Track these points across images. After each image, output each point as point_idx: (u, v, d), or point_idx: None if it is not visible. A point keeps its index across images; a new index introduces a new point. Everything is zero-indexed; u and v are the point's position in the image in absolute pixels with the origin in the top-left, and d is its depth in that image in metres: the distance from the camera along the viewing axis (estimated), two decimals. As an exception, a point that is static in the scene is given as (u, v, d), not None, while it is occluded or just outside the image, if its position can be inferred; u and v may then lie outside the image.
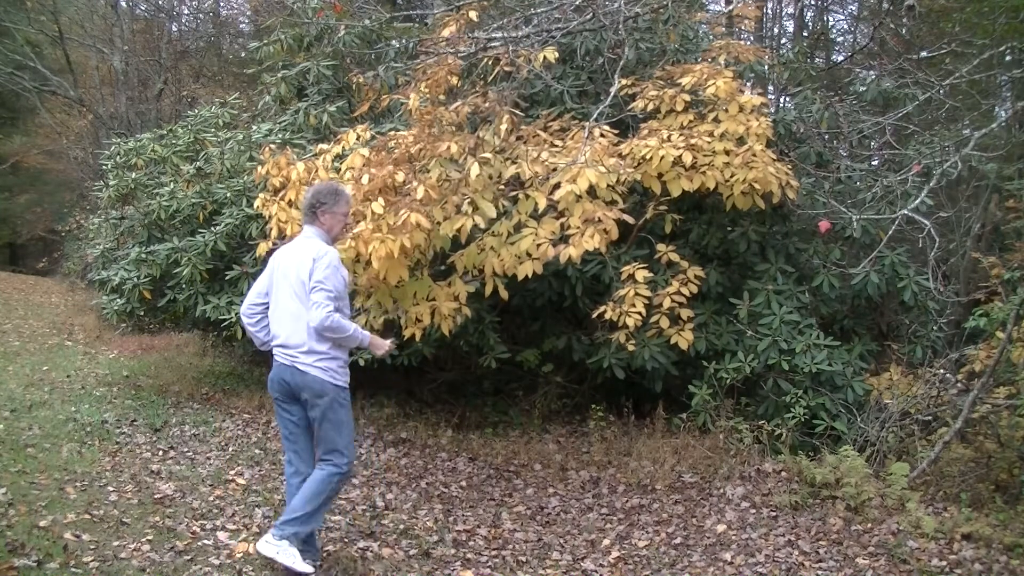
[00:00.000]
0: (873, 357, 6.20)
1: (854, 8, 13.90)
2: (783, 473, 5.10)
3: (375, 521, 4.73)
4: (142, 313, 7.66)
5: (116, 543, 4.09)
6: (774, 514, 4.74)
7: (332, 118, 6.90)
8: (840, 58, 12.39)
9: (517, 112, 5.37)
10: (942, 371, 5.62)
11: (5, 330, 11.70)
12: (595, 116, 5.38)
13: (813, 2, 13.77)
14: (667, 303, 5.42)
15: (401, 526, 4.65)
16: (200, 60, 18.87)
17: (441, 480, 5.56)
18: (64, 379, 8.24)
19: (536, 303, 6.23)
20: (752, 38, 11.32)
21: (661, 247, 5.75)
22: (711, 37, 6.96)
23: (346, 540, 4.40)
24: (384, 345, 4.00)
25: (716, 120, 5.60)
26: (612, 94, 5.56)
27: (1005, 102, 9.56)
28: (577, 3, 6.38)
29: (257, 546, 3.84)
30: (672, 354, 5.68)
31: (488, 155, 5.04)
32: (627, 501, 5.13)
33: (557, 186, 4.75)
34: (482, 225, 4.88)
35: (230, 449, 6.00)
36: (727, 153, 5.39)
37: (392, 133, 5.67)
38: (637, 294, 5.19)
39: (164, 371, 8.66)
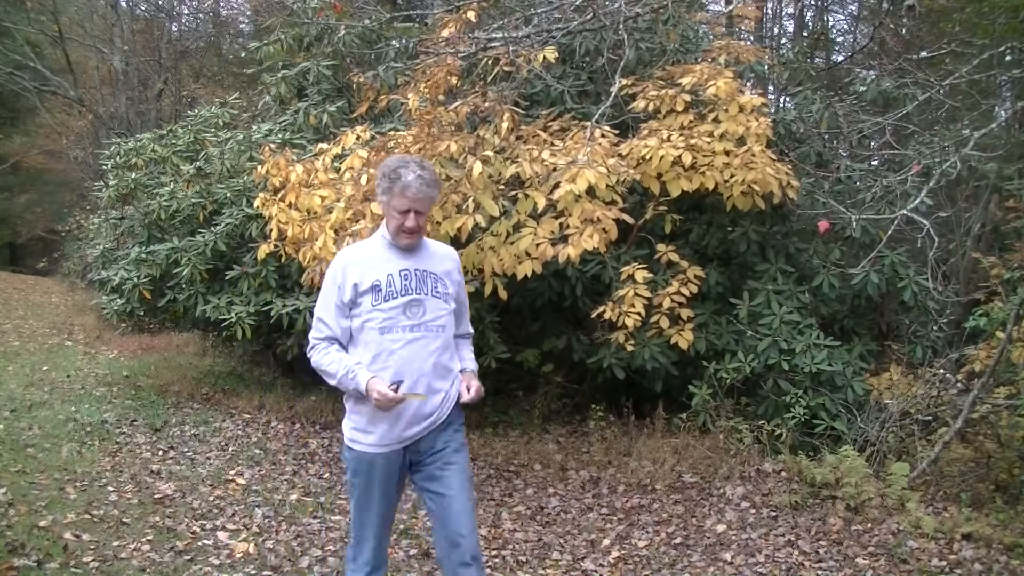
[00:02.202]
0: (873, 357, 6.20)
1: (854, 8, 13.91)
2: (783, 473, 5.10)
3: (375, 521, 4.72)
4: (142, 313, 7.66)
5: (116, 543, 4.09)
6: (774, 514, 4.74)
7: (332, 118, 6.90)
8: (840, 58, 12.39)
9: (518, 111, 5.37)
10: (942, 371, 5.62)
11: (5, 330, 11.71)
12: (596, 117, 5.38)
13: (813, 2, 13.78)
14: (667, 303, 5.42)
15: (401, 526, 4.65)
16: (200, 60, 18.88)
17: (441, 480, 5.56)
18: (64, 379, 8.25)
19: (536, 303, 6.23)
20: (752, 38, 11.32)
21: (661, 247, 5.75)
22: (711, 37, 6.96)
23: (346, 540, 4.40)
24: (377, 393, 2.70)
25: (716, 120, 5.60)
26: (612, 94, 5.55)
27: (1005, 102, 9.56)
28: (577, 3, 6.38)
29: None
30: (672, 354, 5.68)
31: (489, 153, 5.04)
32: (627, 501, 5.13)
33: (557, 186, 4.75)
34: (483, 224, 4.89)
35: (230, 449, 6.00)
36: (727, 154, 5.39)
37: (392, 133, 5.68)
38: (636, 294, 5.19)
39: (164, 371, 8.66)
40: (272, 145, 6.30)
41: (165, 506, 4.70)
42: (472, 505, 2.93)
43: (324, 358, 2.85)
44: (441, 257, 3.02)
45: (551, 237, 4.80)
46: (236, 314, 6.34)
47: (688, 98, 5.65)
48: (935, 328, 6.39)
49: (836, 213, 5.98)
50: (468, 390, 2.97)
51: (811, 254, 6.22)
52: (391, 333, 2.82)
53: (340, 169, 5.41)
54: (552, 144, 5.26)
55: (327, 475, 5.54)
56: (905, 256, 6.08)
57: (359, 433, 2.89)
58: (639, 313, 5.15)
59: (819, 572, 4.08)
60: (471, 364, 3.13)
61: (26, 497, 4.60)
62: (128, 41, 17.32)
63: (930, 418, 5.45)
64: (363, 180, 4.96)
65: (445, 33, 6.19)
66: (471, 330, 3.23)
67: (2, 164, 20.92)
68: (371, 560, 2.94)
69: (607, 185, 4.78)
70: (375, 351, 2.81)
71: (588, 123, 5.24)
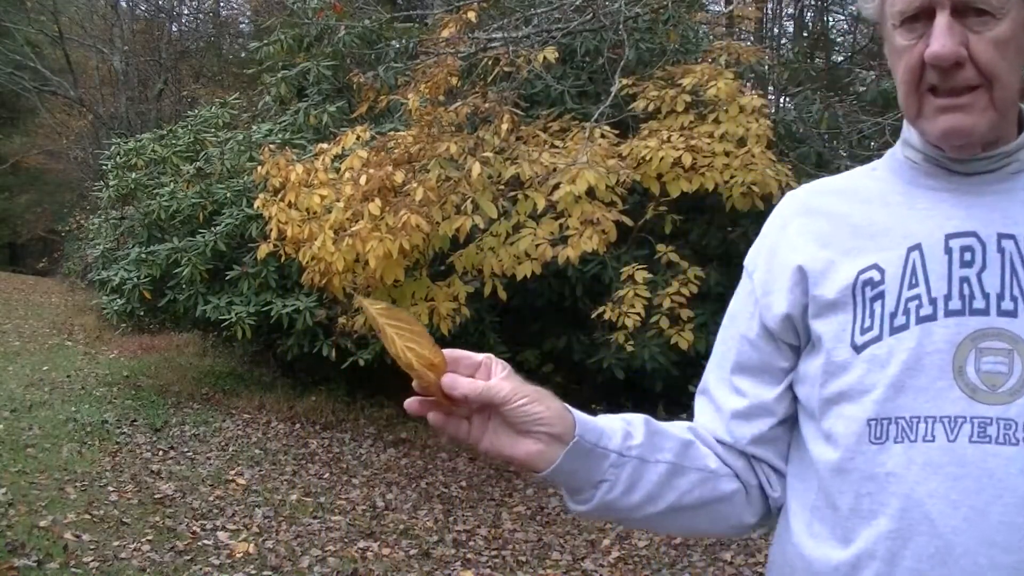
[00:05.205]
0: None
1: (854, 8, 13.89)
2: (783, 473, 5.10)
3: (375, 521, 4.73)
4: (142, 313, 7.66)
5: (116, 543, 4.09)
6: (774, 514, 4.74)
7: (332, 118, 6.90)
8: (840, 58, 12.39)
9: (517, 112, 5.37)
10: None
11: (5, 330, 11.70)
12: (596, 117, 5.38)
13: (813, 2, 13.78)
14: (667, 303, 5.42)
15: (401, 526, 4.65)
16: (200, 60, 18.87)
17: (441, 480, 5.57)
18: (64, 379, 8.24)
19: (536, 303, 6.23)
20: (752, 38, 11.31)
21: (661, 247, 5.75)
22: (711, 37, 6.97)
23: (346, 540, 4.40)
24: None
25: (717, 121, 5.60)
26: (612, 94, 5.55)
27: (1005, 102, 9.55)
28: (577, 3, 6.38)
29: None
30: (672, 354, 5.67)
31: (488, 154, 5.04)
32: (627, 501, 5.13)
33: (556, 187, 4.75)
34: (482, 225, 4.89)
35: (230, 449, 6.00)
36: (727, 155, 5.39)
37: (392, 133, 5.68)
38: (636, 295, 5.19)
39: (164, 371, 8.66)
40: (272, 145, 6.30)
41: (165, 506, 4.70)
42: None
43: None
44: None
45: (551, 238, 4.80)
46: (236, 314, 6.34)
47: (688, 98, 5.65)
48: (935, 328, 6.39)
49: (836, 213, 5.97)
50: None
51: (811, 254, 6.22)
52: (906, 441, 0.86)
53: (340, 169, 5.41)
54: (552, 145, 5.26)
55: (327, 475, 5.54)
56: (905, 256, 6.08)
57: None
58: (639, 314, 5.15)
59: (819, 572, 4.08)
60: None
61: (26, 497, 4.60)
62: (128, 41, 17.32)
63: (930, 418, 5.44)
64: (363, 180, 4.97)
65: (445, 33, 6.19)
66: None
67: (2, 164, 20.92)
68: None
69: (607, 186, 4.78)
70: (848, 488, 0.92)
71: (588, 123, 5.24)
